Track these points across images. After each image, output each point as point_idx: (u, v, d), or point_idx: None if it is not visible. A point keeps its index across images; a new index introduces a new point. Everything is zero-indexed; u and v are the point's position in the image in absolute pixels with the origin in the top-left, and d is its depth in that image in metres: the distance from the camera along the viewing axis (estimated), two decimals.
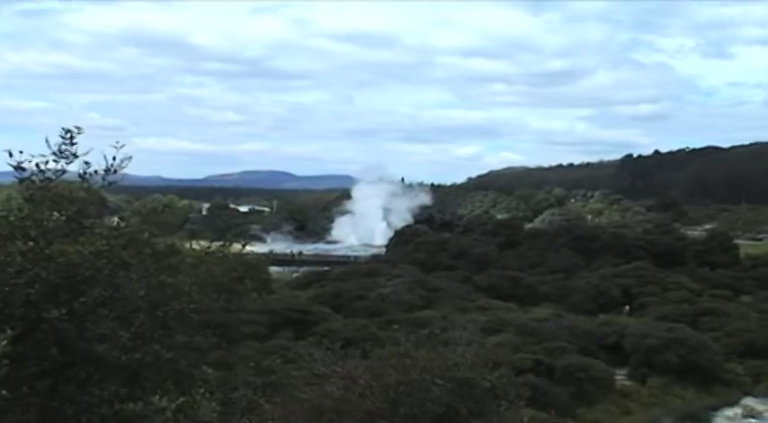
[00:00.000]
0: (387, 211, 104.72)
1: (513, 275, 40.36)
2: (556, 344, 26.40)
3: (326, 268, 52.96)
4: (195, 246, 5.39)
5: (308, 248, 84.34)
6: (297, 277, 50.06)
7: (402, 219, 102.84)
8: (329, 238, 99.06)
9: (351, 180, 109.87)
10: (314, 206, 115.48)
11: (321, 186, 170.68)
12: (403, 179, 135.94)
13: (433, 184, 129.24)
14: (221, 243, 5.36)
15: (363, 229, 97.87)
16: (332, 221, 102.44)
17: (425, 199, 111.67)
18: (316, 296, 34.98)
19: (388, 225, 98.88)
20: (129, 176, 4.92)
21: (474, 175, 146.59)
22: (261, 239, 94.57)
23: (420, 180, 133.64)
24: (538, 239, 52.34)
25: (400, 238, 62.91)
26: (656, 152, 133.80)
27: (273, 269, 53.68)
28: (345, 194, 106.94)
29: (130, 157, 4.46)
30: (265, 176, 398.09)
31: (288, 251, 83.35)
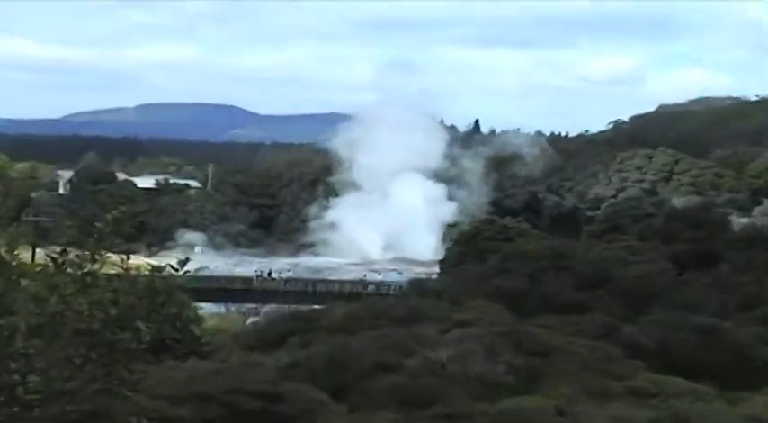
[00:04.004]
0: (438, 188, 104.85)
1: (706, 324, 39.94)
2: None
3: (316, 307, 53.02)
4: (45, 256, 5.50)
5: (280, 265, 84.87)
6: (256, 325, 50.28)
7: (471, 206, 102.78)
8: (320, 246, 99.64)
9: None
10: (290, 178, 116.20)
11: (304, 136, 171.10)
12: (477, 123, 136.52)
13: (539, 134, 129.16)
14: (94, 252, 5.46)
15: (389, 225, 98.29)
16: (325, 209, 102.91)
17: (524, 163, 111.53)
18: (294, 365, 35.02)
19: (443, 220, 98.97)
20: None
21: (625, 116, 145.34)
22: (183, 246, 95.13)
23: (512, 126, 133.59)
24: (758, 249, 51.61)
25: (469, 247, 62.73)
26: None
27: (207, 308, 54.14)
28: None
29: None
30: (191, 116, 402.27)
31: (237, 272, 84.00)
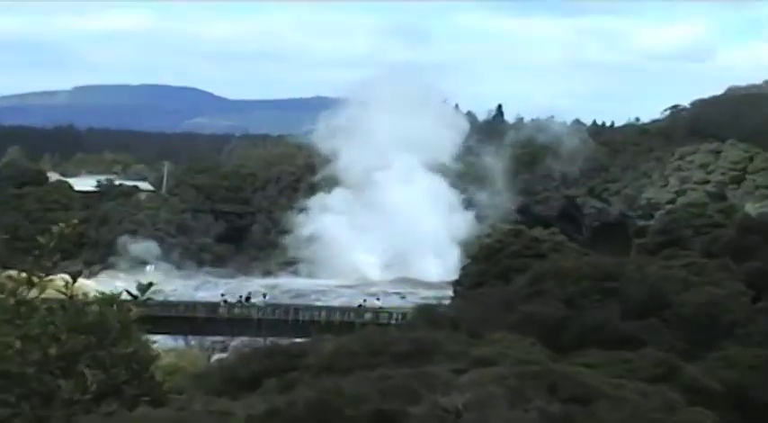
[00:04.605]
0: (451, 191, 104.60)
1: None
2: None
3: (299, 340, 53.10)
4: None
5: (254, 288, 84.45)
6: (224, 363, 50.40)
7: (492, 214, 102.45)
8: (304, 263, 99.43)
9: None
10: (266, 179, 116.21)
11: (283, 126, 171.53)
12: (500, 109, 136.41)
13: (578, 123, 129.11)
14: (31, 274, 5.44)
15: (389, 237, 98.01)
16: (310, 218, 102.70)
17: (560, 160, 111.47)
18: (271, 414, 35.10)
19: (457, 231, 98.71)
20: None
21: (686, 100, 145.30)
22: (131, 264, 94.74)
23: (544, 113, 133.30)
24: None
25: (491, 265, 62.70)
26: None
27: (162, 342, 53.96)
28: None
29: None
30: (142, 101, 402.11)
31: (200, 296, 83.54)
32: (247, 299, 75.95)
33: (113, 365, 5.32)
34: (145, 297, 5.57)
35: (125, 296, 5.65)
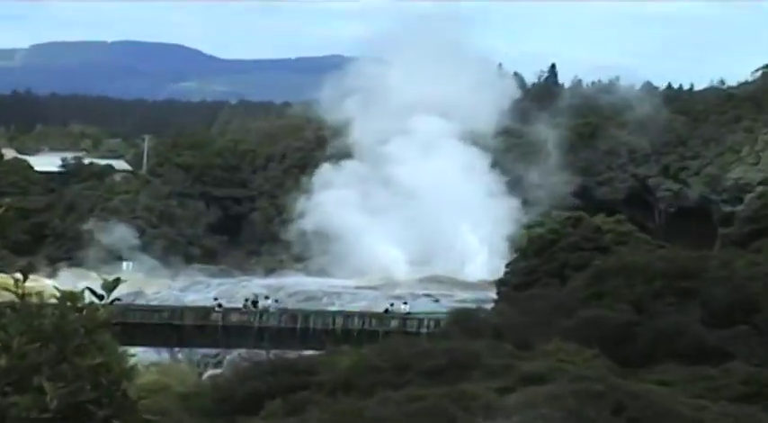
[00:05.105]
0: (493, 170, 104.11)
1: None
2: None
3: (310, 353, 53.19)
4: None
5: (255, 289, 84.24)
6: (218, 381, 50.71)
7: (545, 197, 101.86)
8: (315, 259, 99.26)
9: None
10: (268, 156, 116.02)
11: (288, 92, 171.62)
12: (554, 69, 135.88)
13: (649, 87, 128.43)
14: None
15: (418, 227, 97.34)
16: (322, 204, 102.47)
17: (627, 131, 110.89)
18: None
19: (501, 219, 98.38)
20: None
21: None
22: (104, 260, 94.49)
23: (607, 74, 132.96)
24: None
25: (543, 260, 62.60)
26: None
27: (142, 354, 53.92)
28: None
29: None
30: (116, 61, 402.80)
31: (189, 300, 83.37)
32: (254, 303, 74.60)
33: (76, 379, 5.30)
34: (111, 297, 5.54)
35: (88, 296, 5.62)
